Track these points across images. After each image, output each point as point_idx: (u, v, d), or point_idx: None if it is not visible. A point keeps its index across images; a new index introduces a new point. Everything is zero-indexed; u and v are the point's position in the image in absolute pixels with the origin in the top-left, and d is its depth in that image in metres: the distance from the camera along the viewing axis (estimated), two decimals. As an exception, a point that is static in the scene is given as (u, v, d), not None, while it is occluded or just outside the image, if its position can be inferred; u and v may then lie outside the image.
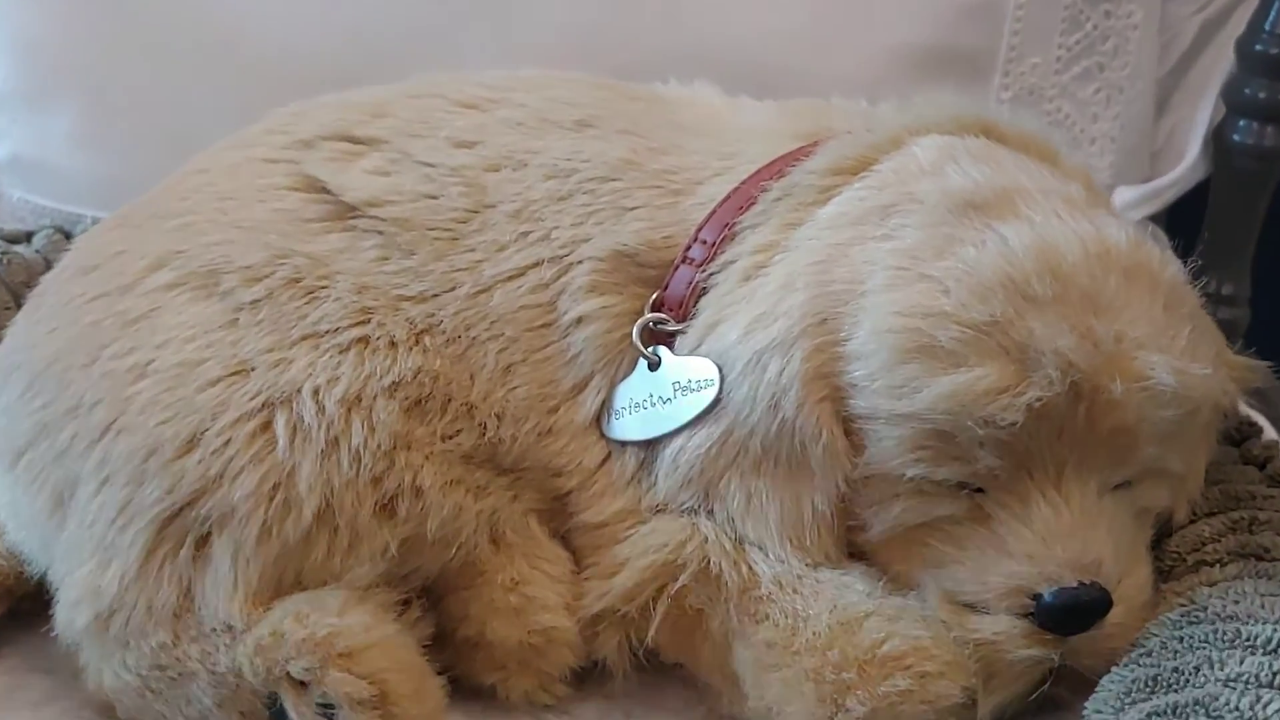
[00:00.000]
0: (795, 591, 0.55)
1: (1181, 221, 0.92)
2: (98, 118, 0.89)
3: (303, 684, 0.53)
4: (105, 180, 0.88)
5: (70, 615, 0.56)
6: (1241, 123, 0.87)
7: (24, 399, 0.59)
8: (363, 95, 0.66)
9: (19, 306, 0.83)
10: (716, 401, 0.56)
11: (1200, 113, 0.90)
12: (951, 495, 0.54)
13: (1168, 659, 0.51)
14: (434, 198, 0.60)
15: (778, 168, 0.61)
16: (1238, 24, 0.89)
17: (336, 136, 0.63)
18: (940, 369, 0.52)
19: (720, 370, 0.56)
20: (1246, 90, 0.86)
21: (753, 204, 0.60)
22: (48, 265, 0.89)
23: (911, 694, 0.52)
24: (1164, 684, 0.49)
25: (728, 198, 0.60)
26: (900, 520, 0.55)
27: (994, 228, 0.54)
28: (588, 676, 0.59)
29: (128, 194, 0.67)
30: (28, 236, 0.91)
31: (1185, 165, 0.88)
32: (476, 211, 0.60)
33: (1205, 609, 0.53)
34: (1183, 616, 0.53)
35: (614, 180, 0.61)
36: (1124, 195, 0.87)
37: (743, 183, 0.61)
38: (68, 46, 0.89)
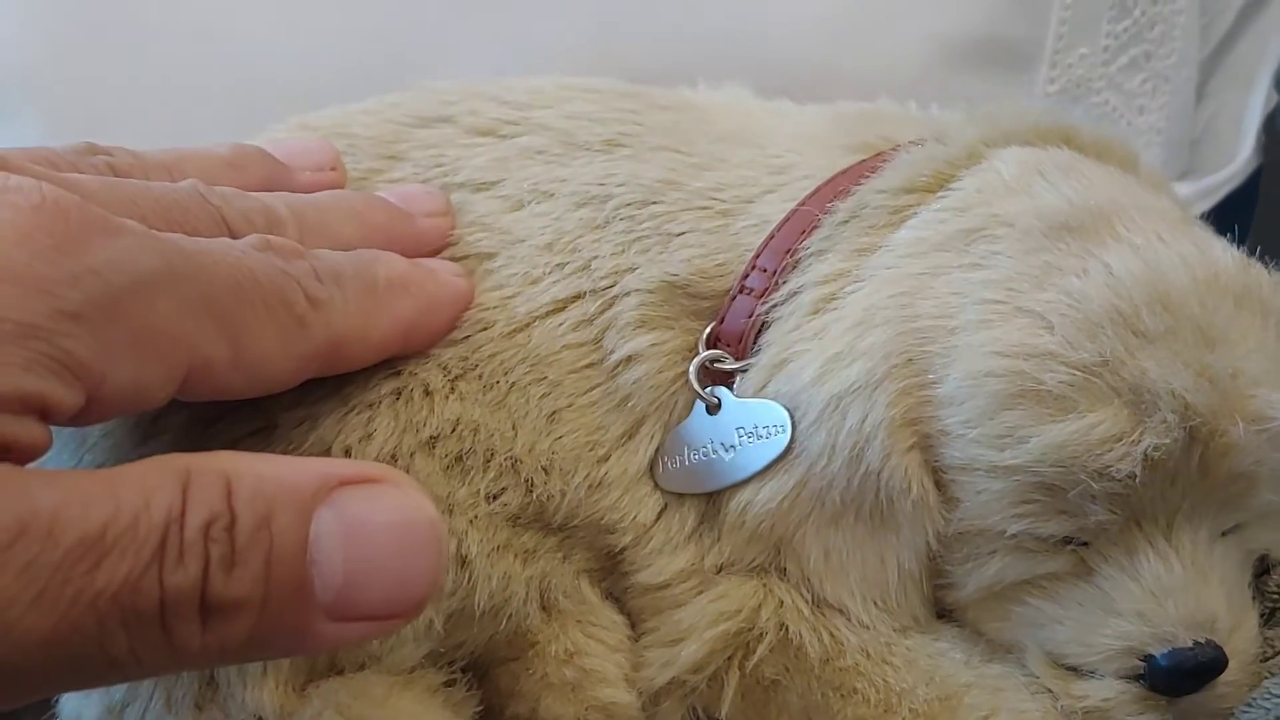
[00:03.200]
0: (885, 662, 0.50)
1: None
2: (66, 130, 0.81)
3: (346, 782, 0.47)
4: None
5: (78, 709, 0.50)
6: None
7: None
8: (370, 121, 0.59)
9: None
10: (788, 450, 0.51)
11: (1246, 99, 0.85)
12: (1054, 550, 0.49)
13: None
14: (450, 244, 0.54)
15: (841, 185, 0.55)
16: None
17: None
18: (1048, 416, 0.46)
19: (791, 415, 0.51)
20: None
21: (816, 227, 0.54)
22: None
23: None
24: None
25: (786, 220, 0.54)
26: (997, 578, 0.50)
27: (1095, 254, 0.49)
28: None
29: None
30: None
31: (1242, 159, 0.83)
32: (498, 251, 0.54)
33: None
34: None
35: (654, 203, 0.55)
36: (1179, 192, 0.81)
37: (801, 203, 0.55)
38: (32, 47, 0.80)
